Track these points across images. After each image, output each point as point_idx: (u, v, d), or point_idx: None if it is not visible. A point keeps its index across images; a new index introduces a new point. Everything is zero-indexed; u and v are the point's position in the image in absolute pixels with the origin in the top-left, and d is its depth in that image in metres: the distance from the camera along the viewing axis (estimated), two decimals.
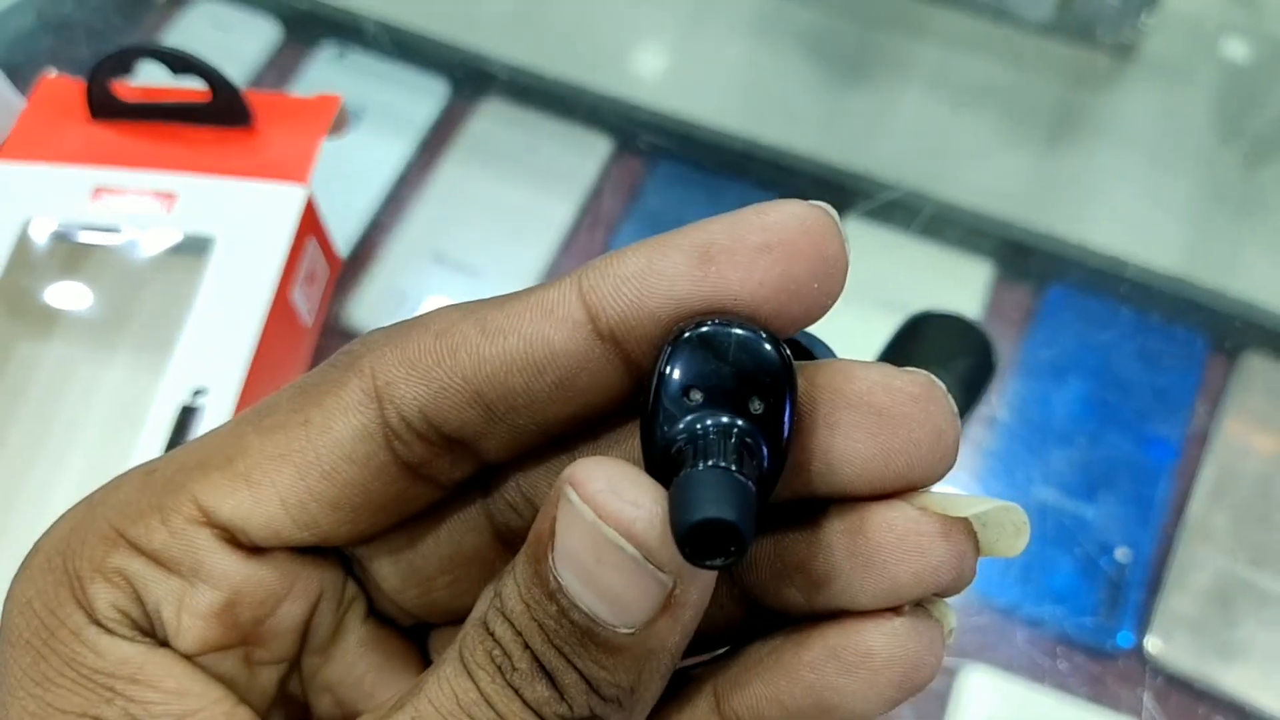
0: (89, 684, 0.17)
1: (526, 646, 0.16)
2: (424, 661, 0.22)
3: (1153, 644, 0.42)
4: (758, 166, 0.55)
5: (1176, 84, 0.59)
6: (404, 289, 0.51)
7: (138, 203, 0.44)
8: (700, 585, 0.16)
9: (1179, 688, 0.42)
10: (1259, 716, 0.41)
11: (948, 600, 0.18)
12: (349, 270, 0.51)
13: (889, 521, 0.17)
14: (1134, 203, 0.55)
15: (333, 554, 0.20)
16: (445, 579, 0.21)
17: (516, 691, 0.16)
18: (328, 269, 0.48)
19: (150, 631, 0.18)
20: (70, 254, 0.45)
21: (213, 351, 0.40)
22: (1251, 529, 0.45)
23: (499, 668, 0.16)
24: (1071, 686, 0.42)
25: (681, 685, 0.19)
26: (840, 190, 0.54)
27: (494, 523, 0.20)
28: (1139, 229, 0.54)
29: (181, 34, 0.59)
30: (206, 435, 0.19)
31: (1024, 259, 0.53)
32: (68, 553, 0.18)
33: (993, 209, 0.54)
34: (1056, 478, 0.46)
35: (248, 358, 0.40)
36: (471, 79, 0.58)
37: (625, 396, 0.18)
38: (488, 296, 0.18)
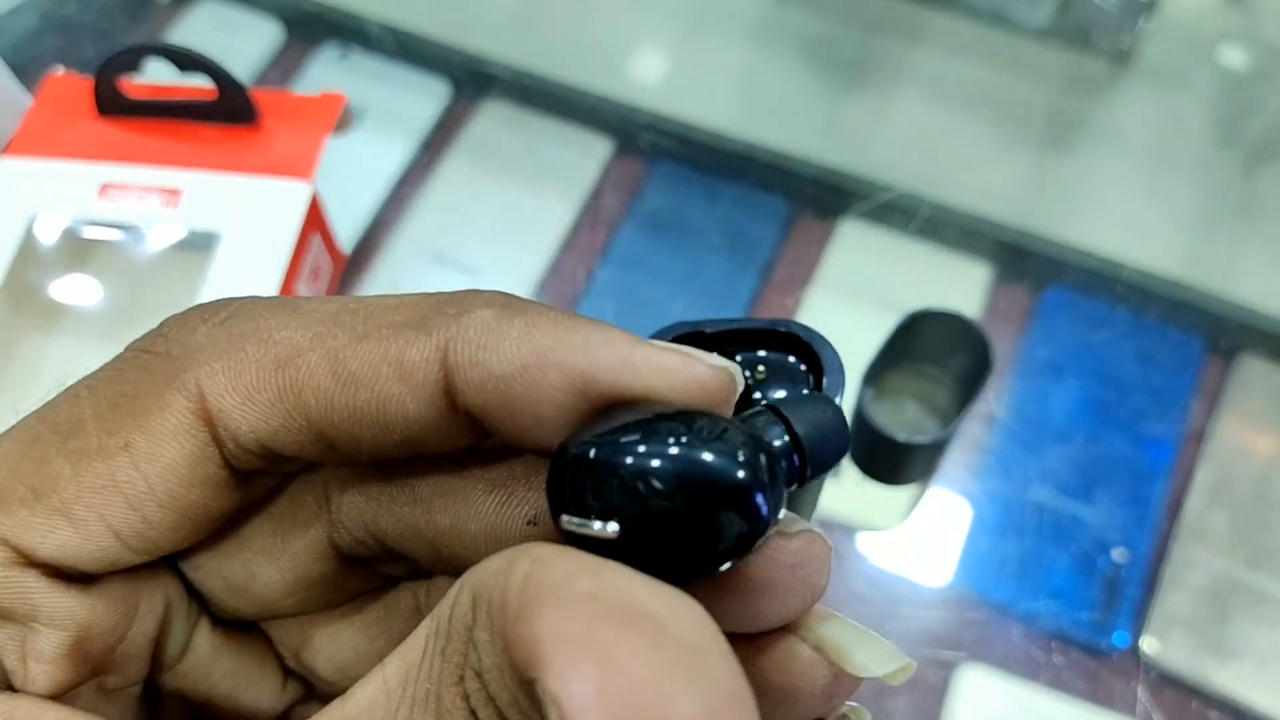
0: None
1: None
2: (271, 648, 0.21)
3: (1148, 643, 0.43)
4: (756, 168, 0.55)
5: (1174, 90, 0.60)
6: (405, 287, 0.51)
7: (144, 199, 0.44)
8: None
9: (1174, 686, 0.42)
10: (1254, 716, 0.42)
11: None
12: (352, 267, 0.51)
13: (784, 663, 0.16)
14: (1131, 206, 0.55)
15: (168, 561, 0.19)
16: (292, 600, 0.19)
17: None
18: (332, 265, 0.49)
19: None
20: (77, 249, 0.46)
21: None
22: (1247, 530, 0.45)
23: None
24: (1067, 684, 0.42)
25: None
26: (838, 191, 0.55)
27: (340, 550, 0.19)
28: (1137, 232, 0.54)
29: (184, 34, 0.60)
30: None
31: (1022, 261, 0.53)
32: None
33: (990, 211, 0.54)
34: (1053, 477, 0.46)
35: None
36: (473, 80, 0.58)
37: (469, 446, 0.17)
38: (333, 303, 0.17)
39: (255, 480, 0.18)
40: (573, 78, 0.58)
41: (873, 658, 0.16)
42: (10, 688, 0.16)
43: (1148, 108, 0.59)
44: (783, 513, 0.15)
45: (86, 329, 0.46)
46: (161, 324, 0.17)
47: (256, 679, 0.20)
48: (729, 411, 0.16)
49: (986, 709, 0.41)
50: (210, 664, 0.19)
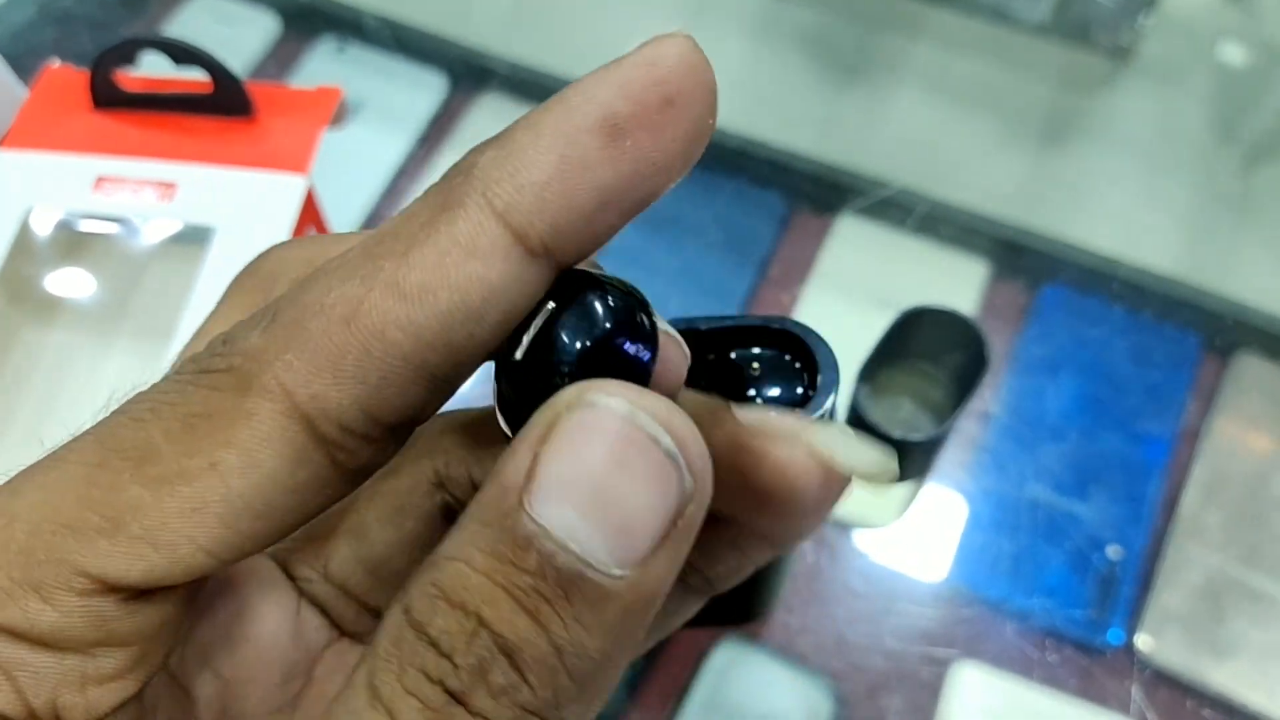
0: None
1: (481, 625, 0.14)
2: (282, 576, 0.20)
3: (1143, 640, 0.43)
4: (754, 164, 0.55)
5: (1172, 87, 0.59)
6: None
7: (139, 192, 0.44)
8: (707, 496, 0.15)
9: (1169, 684, 0.42)
10: (1248, 714, 0.42)
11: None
12: None
13: (780, 468, 0.17)
14: (1129, 204, 0.55)
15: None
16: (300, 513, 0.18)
17: (459, 699, 0.14)
18: None
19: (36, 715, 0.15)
20: (72, 242, 0.46)
21: None
22: (1242, 527, 0.45)
23: (437, 680, 0.14)
24: (1062, 681, 0.42)
25: None
26: (836, 188, 0.55)
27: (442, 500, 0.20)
28: (1134, 229, 0.54)
29: (182, 27, 0.60)
30: (57, 484, 0.16)
31: (1018, 257, 0.53)
32: None
33: (988, 208, 0.54)
34: (1049, 474, 0.46)
35: None
36: (470, 74, 0.58)
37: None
38: (355, 241, 0.16)
39: (362, 471, 0.17)
40: (570, 71, 0.58)
41: (858, 458, 0.17)
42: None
43: (1146, 105, 0.59)
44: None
45: (82, 322, 0.46)
46: (210, 344, 0.16)
47: (265, 614, 0.19)
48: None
49: (981, 706, 0.42)
50: (215, 604, 0.19)
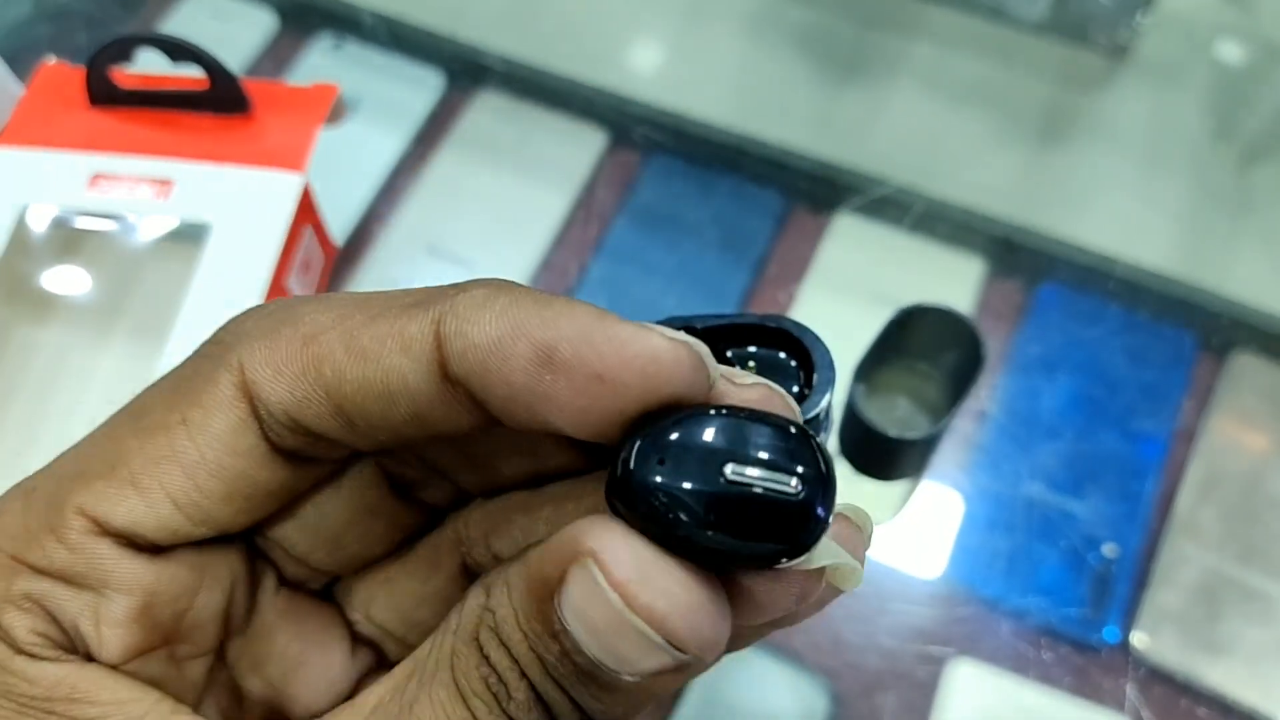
0: (31, 711, 0.17)
1: (524, 676, 0.16)
2: (339, 616, 0.22)
3: (1138, 639, 0.43)
4: (751, 162, 0.55)
5: (1170, 85, 0.59)
6: (398, 279, 0.51)
7: (135, 189, 0.44)
8: (718, 651, 0.16)
9: (1164, 682, 0.42)
10: (1243, 712, 0.42)
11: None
12: (344, 259, 0.51)
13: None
14: (1126, 202, 0.55)
15: (236, 536, 0.20)
16: (354, 532, 0.21)
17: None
18: (323, 257, 0.49)
19: (73, 649, 0.18)
20: (67, 240, 0.46)
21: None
22: (1238, 526, 0.45)
23: (495, 696, 0.16)
24: (1057, 679, 0.42)
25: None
26: (832, 185, 0.55)
27: (389, 475, 0.21)
28: (1131, 228, 0.54)
29: (179, 24, 0.60)
30: (80, 443, 0.19)
31: (1015, 256, 0.53)
32: None
33: (985, 206, 0.54)
34: (1044, 473, 0.46)
35: None
36: (467, 71, 0.58)
37: (479, 428, 0.18)
38: (362, 293, 0.19)
39: (305, 463, 0.19)
40: (567, 69, 0.58)
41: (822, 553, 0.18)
42: (89, 658, 0.18)
43: (1144, 103, 0.59)
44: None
45: (77, 319, 0.45)
46: (221, 325, 0.19)
47: (324, 643, 0.22)
48: (704, 385, 0.17)
49: (976, 705, 0.42)
50: (276, 628, 0.21)
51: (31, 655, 0.18)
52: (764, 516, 0.15)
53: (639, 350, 0.16)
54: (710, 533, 0.15)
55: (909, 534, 0.45)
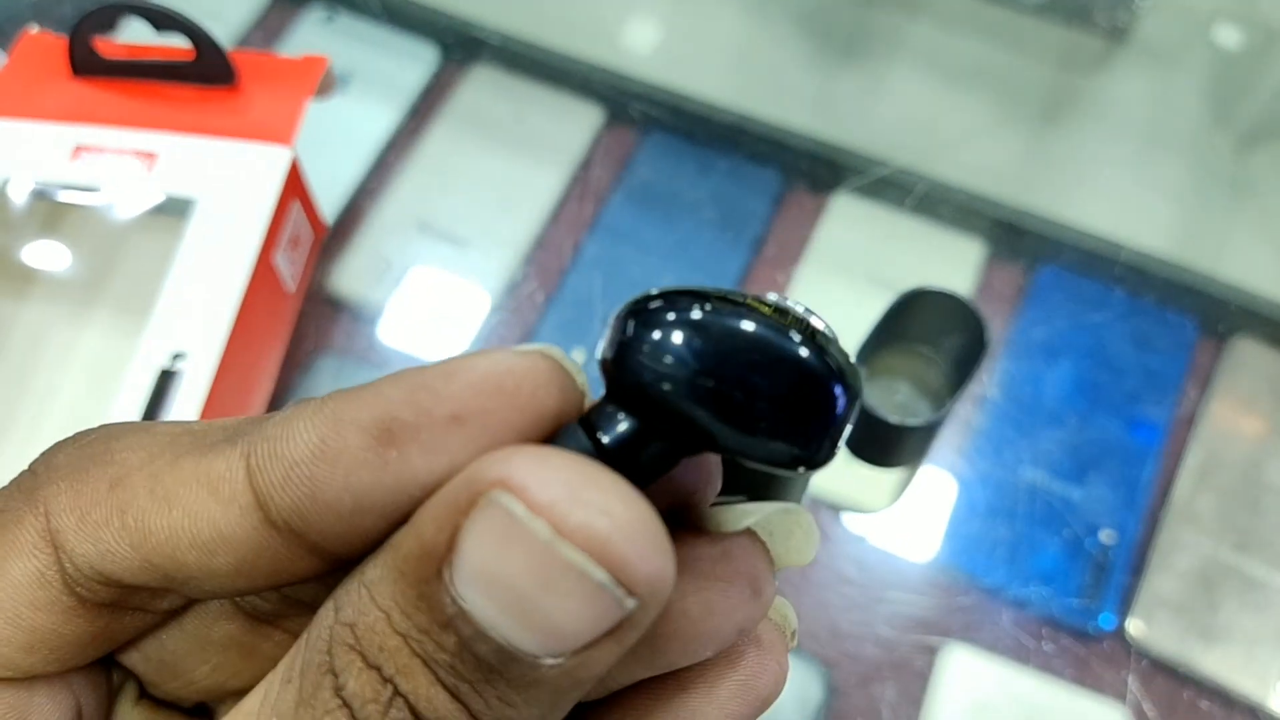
0: None
1: (398, 694, 0.13)
2: None
3: (1135, 625, 0.42)
4: (749, 140, 0.55)
5: (1169, 68, 0.59)
6: (389, 257, 0.50)
7: (118, 162, 0.43)
8: (663, 600, 0.13)
9: (1162, 670, 0.42)
10: (1240, 699, 0.41)
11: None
12: (334, 237, 0.50)
13: (726, 548, 0.16)
14: (1126, 185, 0.55)
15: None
16: (205, 668, 0.18)
17: None
18: (312, 234, 0.48)
19: None
20: (49, 213, 0.44)
21: (193, 315, 0.39)
22: (1236, 513, 0.45)
23: None
24: (1055, 667, 0.42)
25: None
26: (832, 166, 0.54)
27: (241, 607, 0.18)
28: (1131, 211, 0.54)
29: None
30: None
31: (1016, 238, 0.52)
32: None
33: (985, 188, 0.54)
34: (1044, 458, 0.46)
35: (229, 322, 0.39)
36: (462, 46, 0.57)
37: (327, 571, 0.16)
38: (182, 424, 0.16)
39: (130, 612, 0.16)
40: (564, 45, 0.57)
41: (757, 514, 0.16)
42: None
43: (1143, 86, 0.58)
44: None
45: (58, 295, 0.44)
46: (41, 451, 0.17)
47: None
48: (575, 388, 0.15)
49: (973, 692, 0.41)
50: None
51: None
52: (786, 386, 0.14)
53: (486, 368, 0.14)
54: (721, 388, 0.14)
55: (907, 520, 0.45)
